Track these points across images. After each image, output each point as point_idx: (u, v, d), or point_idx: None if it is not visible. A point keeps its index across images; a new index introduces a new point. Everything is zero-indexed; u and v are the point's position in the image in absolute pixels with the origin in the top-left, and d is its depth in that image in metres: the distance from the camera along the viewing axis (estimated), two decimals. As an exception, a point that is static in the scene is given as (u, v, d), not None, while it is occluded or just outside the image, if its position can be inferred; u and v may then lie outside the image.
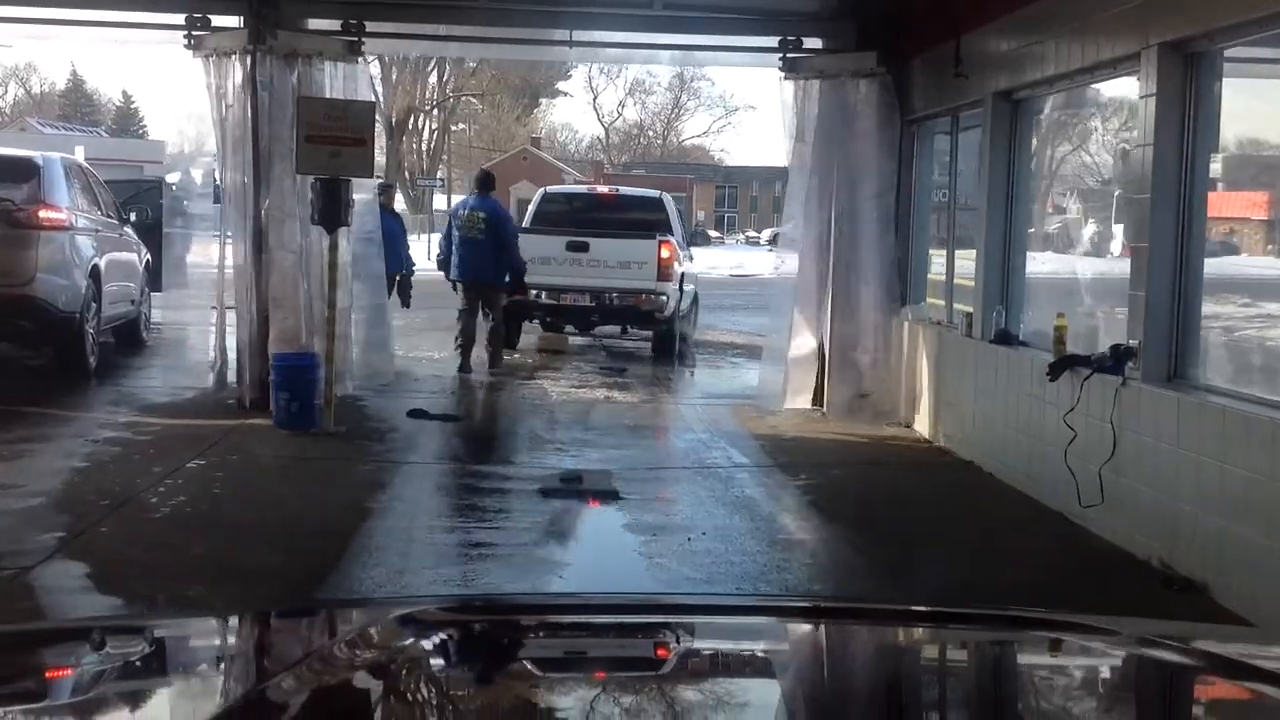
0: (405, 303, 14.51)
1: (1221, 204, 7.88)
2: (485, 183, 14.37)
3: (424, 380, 13.45)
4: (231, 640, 2.24)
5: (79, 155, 30.38)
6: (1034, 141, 9.89)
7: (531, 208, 16.63)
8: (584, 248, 14.72)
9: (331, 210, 10.21)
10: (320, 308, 10.74)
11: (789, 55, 11.75)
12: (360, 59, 11.55)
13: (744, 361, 16.77)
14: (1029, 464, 8.77)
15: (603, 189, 18.80)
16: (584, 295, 14.71)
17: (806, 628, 2.32)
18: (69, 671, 2.03)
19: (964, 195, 11.34)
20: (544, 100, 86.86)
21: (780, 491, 8.97)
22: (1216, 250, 7.88)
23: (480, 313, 13.92)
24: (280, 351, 10.65)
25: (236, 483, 8.60)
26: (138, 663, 2.07)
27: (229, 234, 11.08)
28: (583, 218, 15.88)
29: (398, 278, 14.10)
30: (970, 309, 10.22)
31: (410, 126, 65.50)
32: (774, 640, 2.25)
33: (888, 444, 10.70)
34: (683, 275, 15.60)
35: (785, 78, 11.83)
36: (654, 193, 17.95)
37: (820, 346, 11.68)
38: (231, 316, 11.43)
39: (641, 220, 15.90)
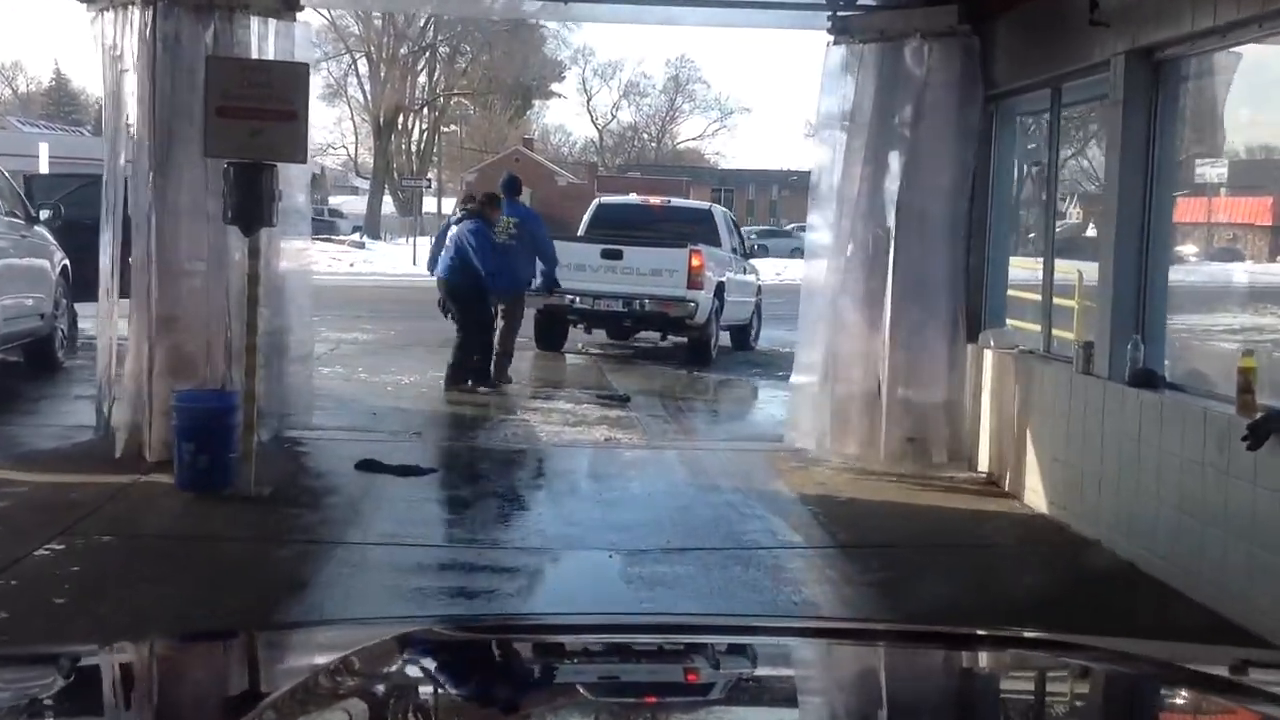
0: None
1: None
2: (512, 187, 13.07)
3: (385, 415, 10.90)
4: (234, 659, 2.16)
5: (43, 153, 27.94)
6: (1186, 115, 7.37)
7: (586, 217, 17.03)
8: (618, 255, 14.93)
9: (249, 205, 7.65)
10: (240, 330, 8.19)
11: (840, 13, 9.22)
12: (298, 14, 8.97)
13: (767, 383, 14.41)
14: (1198, 558, 6.23)
15: (654, 201, 18.82)
16: (617, 301, 14.82)
17: (824, 649, 2.22)
18: (66, 694, 1.90)
19: (1063, 190, 8.90)
20: (537, 102, 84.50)
21: (851, 592, 6.43)
22: None
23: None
24: (181, 388, 8.06)
25: (94, 582, 6.04)
26: (142, 681, 2.01)
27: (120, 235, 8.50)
28: (633, 228, 16.10)
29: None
30: (1088, 338, 7.71)
31: (399, 126, 62.91)
32: (783, 662, 2.15)
33: (975, 511, 8.13)
34: (721, 285, 15.36)
35: (834, 43, 9.30)
36: (704, 205, 18.58)
37: (876, 379, 9.13)
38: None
39: (689, 231, 15.83)
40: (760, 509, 8.04)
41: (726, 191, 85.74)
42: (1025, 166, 9.79)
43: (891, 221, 9.02)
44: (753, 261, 18.49)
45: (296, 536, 7.08)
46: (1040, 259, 8.96)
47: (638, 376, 14.24)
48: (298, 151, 8.00)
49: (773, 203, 79.65)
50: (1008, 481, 8.59)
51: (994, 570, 7.00)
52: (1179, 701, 2.00)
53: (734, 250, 16.91)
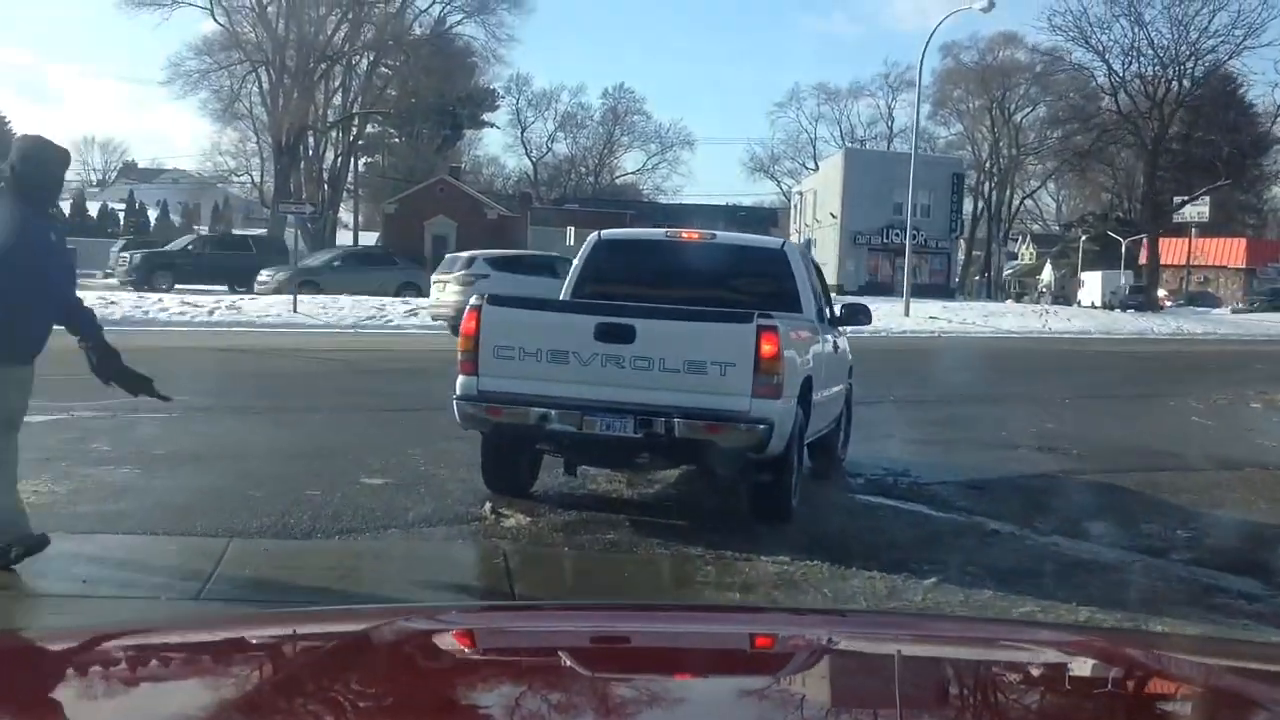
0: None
1: None
2: None
3: None
4: (239, 641, 2.02)
5: None
6: None
7: (578, 263, 9.57)
8: (626, 335, 7.59)
9: None
10: None
11: None
12: None
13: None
14: None
15: (690, 234, 9.85)
16: (625, 418, 7.47)
17: (821, 631, 2.17)
18: (80, 676, 1.80)
19: None
20: (469, 132, 75.65)
21: None
22: None
23: None
24: None
25: None
26: (141, 663, 1.90)
27: None
28: (653, 283, 8.95)
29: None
30: None
31: (307, 150, 53.43)
32: (792, 644, 2.09)
33: None
34: (808, 381, 8.13)
35: None
36: (774, 242, 10.23)
37: None
38: None
39: (749, 287, 8.73)
40: None
41: (671, 227, 77.36)
42: None
43: None
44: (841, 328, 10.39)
45: None
46: None
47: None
48: None
49: (720, 240, 71.44)
50: None
51: None
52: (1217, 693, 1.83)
53: (818, 314, 9.26)
